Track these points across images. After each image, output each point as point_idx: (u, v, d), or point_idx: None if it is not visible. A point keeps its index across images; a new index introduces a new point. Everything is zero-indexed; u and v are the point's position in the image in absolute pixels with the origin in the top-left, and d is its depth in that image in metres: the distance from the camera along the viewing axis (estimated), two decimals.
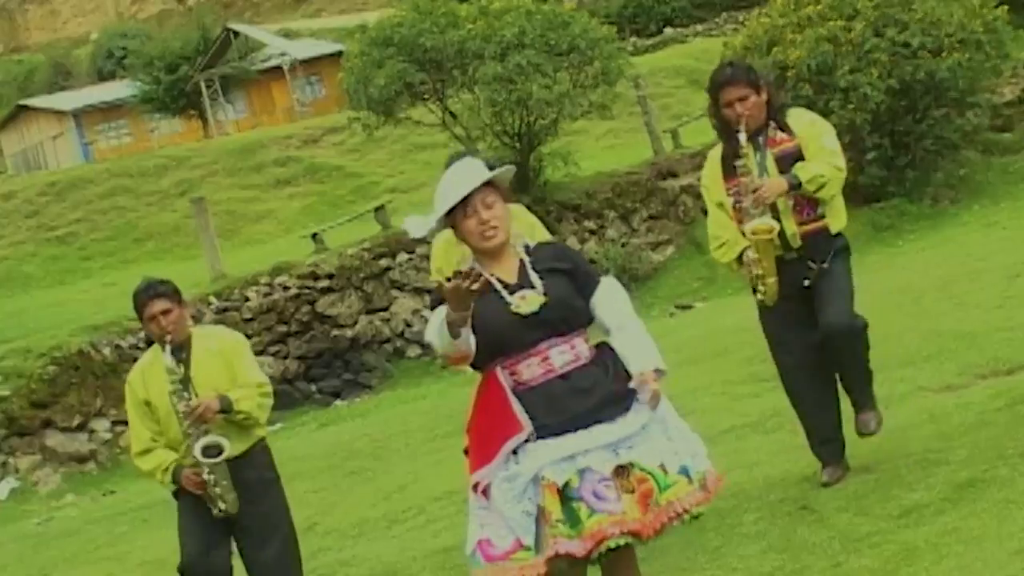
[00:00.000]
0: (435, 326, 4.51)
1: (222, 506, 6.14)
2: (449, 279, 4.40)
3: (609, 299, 4.72)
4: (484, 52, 20.78)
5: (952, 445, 6.51)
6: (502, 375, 4.58)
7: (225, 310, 19.84)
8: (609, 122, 26.42)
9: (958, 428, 6.84)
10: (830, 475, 6.52)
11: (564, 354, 4.58)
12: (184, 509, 6.40)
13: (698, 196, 22.54)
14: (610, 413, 4.52)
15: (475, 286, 4.35)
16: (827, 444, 6.63)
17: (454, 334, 4.47)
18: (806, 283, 6.44)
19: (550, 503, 4.41)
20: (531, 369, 4.56)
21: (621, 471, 4.48)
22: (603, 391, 4.55)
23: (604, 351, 4.68)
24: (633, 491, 4.46)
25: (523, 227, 6.19)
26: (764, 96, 6.41)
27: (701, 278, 20.75)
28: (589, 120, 23.65)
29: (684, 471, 4.57)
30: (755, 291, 6.50)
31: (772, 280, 6.37)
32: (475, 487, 4.57)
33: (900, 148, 19.68)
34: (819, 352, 6.55)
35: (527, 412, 4.50)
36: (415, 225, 4.86)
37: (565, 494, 4.42)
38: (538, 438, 4.49)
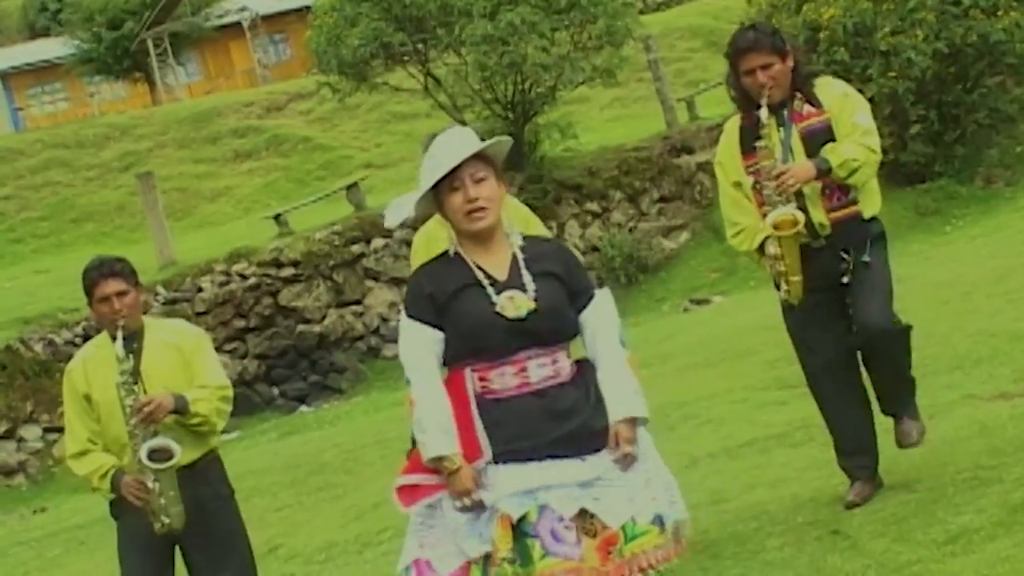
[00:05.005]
0: (419, 417, 4.60)
1: (165, 520, 6.12)
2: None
3: (601, 324, 4.75)
4: (472, 9, 20.76)
5: (1006, 461, 6.51)
6: (470, 380, 4.61)
7: (175, 302, 19.84)
8: (615, 89, 26.38)
9: (1013, 442, 6.84)
10: (857, 493, 6.53)
11: (543, 368, 4.61)
12: (124, 535, 6.40)
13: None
14: (583, 448, 4.56)
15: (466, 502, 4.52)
16: (856, 457, 6.65)
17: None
18: (844, 280, 6.45)
19: (500, 537, 4.45)
20: (504, 379, 4.59)
21: (584, 513, 4.51)
22: (579, 419, 4.59)
23: (586, 370, 4.72)
24: (595, 535, 4.49)
25: (517, 222, 6.19)
26: (790, 64, 6.41)
27: (719, 269, 20.77)
28: (592, 87, 23.63)
29: (659, 520, 4.60)
30: (778, 287, 6.51)
31: (796, 279, 6.37)
32: (400, 489, 4.61)
33: (948, 121, 19.69)
34: (849, 354, 6.58)
35: (492, 428, 4.54)
36: (393, 212, 4.87)
37: (520, 528, 4.46)
38: (501, 462, 4.52)
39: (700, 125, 23.83)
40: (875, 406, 6.74)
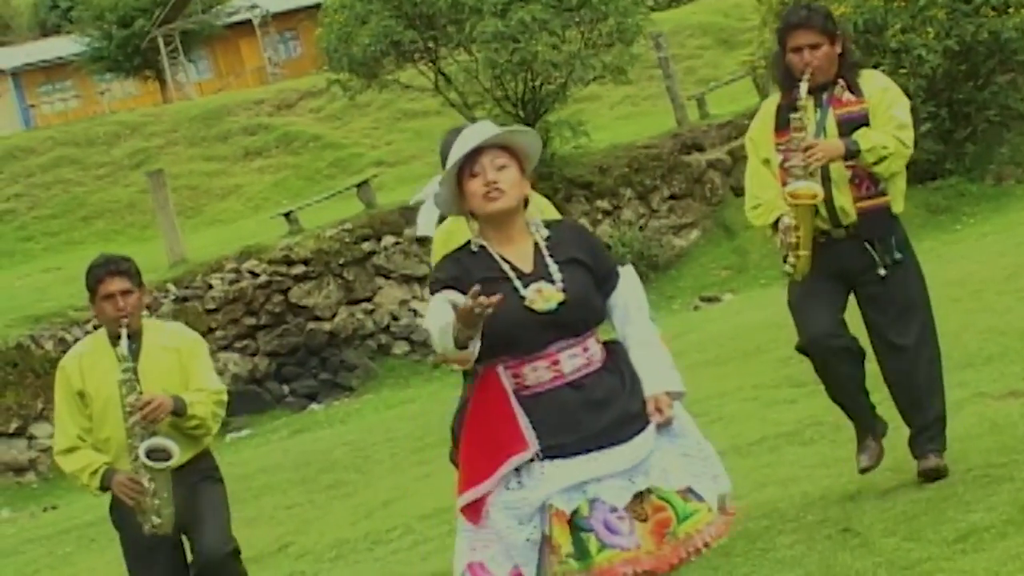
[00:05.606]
0: (438, 326, 4.48)
1: (156, 521, 6.11)
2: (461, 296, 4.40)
3: (631, 303, 4.77)
4: (482, 7, 20.76)
5: (1016, 459, 6.51)
6: (504, 376, 4.58)
7: (185, 299, 19.86)
8: (625, 87, 26.41)
9: (1023, 440, 6.83)
10: (869, 456, 6.59)
11: (575, 358, 4.60)
12: (130, 546, 6.40)
13: (727, 173, 22.63)
14: (626, 433, 4.55)
15: (491, 310, 4.36)
16: (862, 420, 6.70)
17: (461, 344, 4.47)
18: (881, 272, 6.45)
19: (559, 534, 4.43)
20: (537, 373, 4.58)
21: (636, 497, 4.51)
22: (619, 407, 4.58)
23: (618, 355, 4.71)
24: (647, 519, 4.49)
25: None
26: (838, 48, 6.45)
27: (729, 267, 20.76)
28: (602, 85, 23.64)
29: (690, 491, 4.60)
30: (785, 261, 6.51)
31: (805, 253, 6.38)
32: (464, 509, 4.57)
33: (959, 119, 19.67)
34: (845, 331, 6.58)
35: (534, 425, 4.52)
36: (423, 219, 4.86)
37: (574, 523, 4.45)
38: (546, 457, 4.51)
39: (710, 123, 23.83)
40: (874, 397, 6.75)
